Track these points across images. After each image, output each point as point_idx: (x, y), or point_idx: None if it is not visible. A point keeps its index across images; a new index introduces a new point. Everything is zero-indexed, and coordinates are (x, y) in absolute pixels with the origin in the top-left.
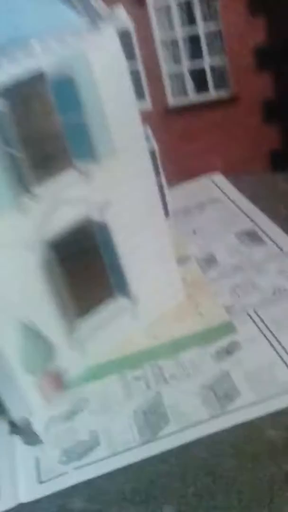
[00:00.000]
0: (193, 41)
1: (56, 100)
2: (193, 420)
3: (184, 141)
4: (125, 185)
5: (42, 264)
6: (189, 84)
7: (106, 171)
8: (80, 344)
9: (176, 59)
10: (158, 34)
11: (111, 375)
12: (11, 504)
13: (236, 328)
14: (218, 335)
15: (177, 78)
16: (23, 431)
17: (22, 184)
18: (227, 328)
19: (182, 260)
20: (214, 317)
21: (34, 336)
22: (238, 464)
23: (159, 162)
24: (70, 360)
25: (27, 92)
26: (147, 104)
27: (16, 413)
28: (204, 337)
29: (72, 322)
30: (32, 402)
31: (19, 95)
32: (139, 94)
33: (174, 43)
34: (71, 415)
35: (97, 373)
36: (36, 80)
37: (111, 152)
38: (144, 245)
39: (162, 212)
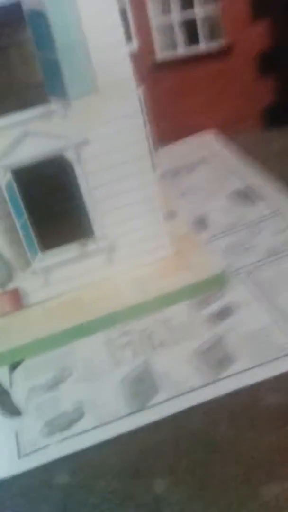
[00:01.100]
0: None
1: (33, 34)
2: (185, 388)
3: (173, 98)
4: (108, 125)
5: (5, 191)
6: (179, 36)
7: (86, 109)
8: (43, 274)
9: (165, 10)
10: None
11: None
12: None
13: (227, 280)
14: (210, 288)
15: (166, 29)
16: (1, 402)
17: None
18: (219, 280)
19: (169, 216)
20: (205, 270)
21: None
22: (235, 433)
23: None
24: (32, 286)
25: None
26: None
27: None
28: (196, 290)
29: (34, 253)
30: None
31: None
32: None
33: None
34: (53, 384)
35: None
36: (13, 8)
37: (90, 90)
38: (127, 191)
39: (149, 161)
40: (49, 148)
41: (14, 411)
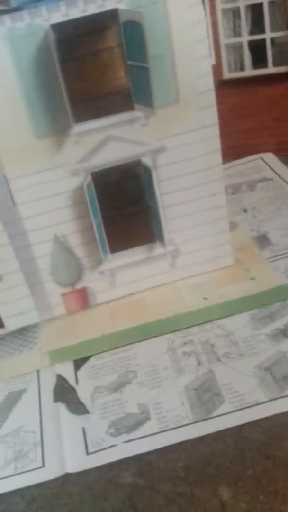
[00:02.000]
0: (255, 12)
1: (125, 42)
2: (249, 401)
3: (236, 117)
4: (185, 135)
5: (83, 191)
6: (247, 57)
7: (166, 118)
8: (111, 275)
9: (236, 30)
10: (219, 3)
11: (160, 335)
12: (58, 473)
13: None
14: (272, 299)
15: (235, 49)
16: (68, 398)
17: (69, 115)
18: (282, 292)
19: (229, 226)
20: (267, 281)
21: (66, 253)
22: None
23: None
24: (99, 286)
25: (100, 26)
26: None
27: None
28: (257, 300)
29: (106, 253)
30: (53, 306)
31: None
32: None
33: (235, 13)
34: (118, 386)
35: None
36: (109, 17)
37: (173, 99)
38: (196, 199)
39: (220, 171)
40: (128, 153)
41: (80, 408)
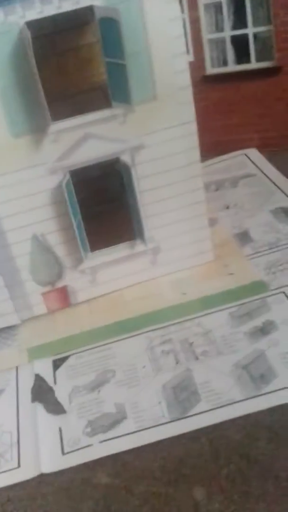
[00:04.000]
0: (238, 6)
1: (102, 39)
2: (226, 400)
3: (219, 113)
4: (163, 132)
5: (61, 190)
6: (230, 53)
7: (144, 115)
8: (91, 273)
9: (219, 25)
10: None
11: (138, 330)
12: (33, 473)
13: (268, 287)
14: (250, 294)
15: (218, 45)
16: (46, 398)
17: (46, 113)
18: (259, 287)
19: (210, 222)
20: (246, 276)
21: (46, 252)
22: (275, 449)
23: None
24: (80, 284)
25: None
26: None
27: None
28: (236, 295)
29: (86, 252)
30: (34, 305)
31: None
32: None
33: (217, 8)
34: (96, 386)
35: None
36: (86, 14)
37: (150, 96)
38: (176, 196)
39: (199, 168)
40: (107, 151)
41: (58, 408)
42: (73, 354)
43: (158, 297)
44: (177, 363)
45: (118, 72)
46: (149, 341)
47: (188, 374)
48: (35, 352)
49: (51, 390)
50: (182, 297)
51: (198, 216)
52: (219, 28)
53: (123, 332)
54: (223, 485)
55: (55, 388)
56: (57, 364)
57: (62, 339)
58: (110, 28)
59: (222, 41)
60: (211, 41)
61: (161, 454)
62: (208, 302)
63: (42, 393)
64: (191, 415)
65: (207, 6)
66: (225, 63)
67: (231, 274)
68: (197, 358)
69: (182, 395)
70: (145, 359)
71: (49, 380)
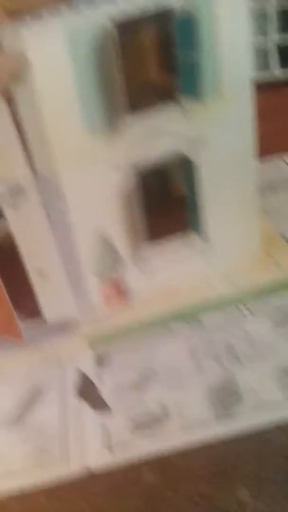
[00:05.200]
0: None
1: (177, 37)
2: (270, 404)
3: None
4: (224, 127)
5: (126, 186)
6: (274, 58)
7: (207, 111)
8: (147, 266)
9: (263, 32)
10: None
11: (189, 320)
12: (79, 469)
13: None
14: None
15: (261, 51)
16: (90, 395)
17: (121, 109)
18: None
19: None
20: None
21: (107, 245)
22: None
23: None
24: (136, 279)
25: (153, 25)
26: None
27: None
28: (284, 286)
29: (142, 245)
30: (95, 302)
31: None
32: None
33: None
34: (138, 384)
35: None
36: (163, 14)
37: (217, 94)
38: (230, 190)
39: (253, 162)
40: (173, 146)
41: (102, 405)
42: (118, 351)
43: (209, 288)
44: (220, 365)
45: (190, 70)
46: (191, 343)
47: (231, 377)
48: (93, 342)
49: (95, 386)
50: (231, 287)
51: (250, 210)
52: (262, 32)
53: (175, 321)
54: (267, 487)
55: (99, 384)
56: (101, 360)
57: (116, 329)
58: (186, 25)
59: (265, 47)
60: (254, 47)
61: (206, 454)
62: (257, 293)
63: (87, 389)
64: (235, 417)
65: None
66: (268, 69)
67: (279, 266)
68: (240, 361)
69: (226, 397)
70: (188, 360)
71: (94, 377)
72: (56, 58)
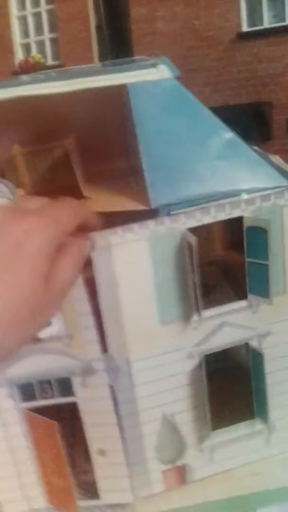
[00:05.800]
0: None
1: (246, 242)
2: None
3: None
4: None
5: (195, 373)
6: None
7: (274, 306)
8: (210, 452)
9: None
10: None
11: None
12: None
13: None
14: None
15: None
16: None
17: (195, 306)
18: None
19: None
20: None
21: (173, 431)
22: None
23: None
24: (198, 463)
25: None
26: None
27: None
28: None
29: (207, 430)
30: (153, 483)
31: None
32: None
33: None
34: None
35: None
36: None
37: (282, 291)
38: None
39: None
40: (238, 337)
41: None
42: None
43: (269, 476)
44: None
45: (259, 271)
46: None
47: None
48: None
49: None
50: None
51: None
52: None
53: (233, 509)
54: None
55: None
56: None
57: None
58: (256, 234)
59: None
60: None
61: None
62: None
63: None
64: None
65: None
66: None
67: None
68: None
69: None
70: None
71: None
72: (139, 261)
